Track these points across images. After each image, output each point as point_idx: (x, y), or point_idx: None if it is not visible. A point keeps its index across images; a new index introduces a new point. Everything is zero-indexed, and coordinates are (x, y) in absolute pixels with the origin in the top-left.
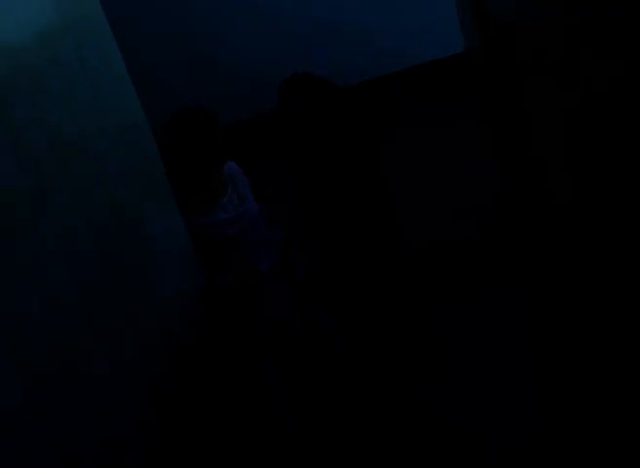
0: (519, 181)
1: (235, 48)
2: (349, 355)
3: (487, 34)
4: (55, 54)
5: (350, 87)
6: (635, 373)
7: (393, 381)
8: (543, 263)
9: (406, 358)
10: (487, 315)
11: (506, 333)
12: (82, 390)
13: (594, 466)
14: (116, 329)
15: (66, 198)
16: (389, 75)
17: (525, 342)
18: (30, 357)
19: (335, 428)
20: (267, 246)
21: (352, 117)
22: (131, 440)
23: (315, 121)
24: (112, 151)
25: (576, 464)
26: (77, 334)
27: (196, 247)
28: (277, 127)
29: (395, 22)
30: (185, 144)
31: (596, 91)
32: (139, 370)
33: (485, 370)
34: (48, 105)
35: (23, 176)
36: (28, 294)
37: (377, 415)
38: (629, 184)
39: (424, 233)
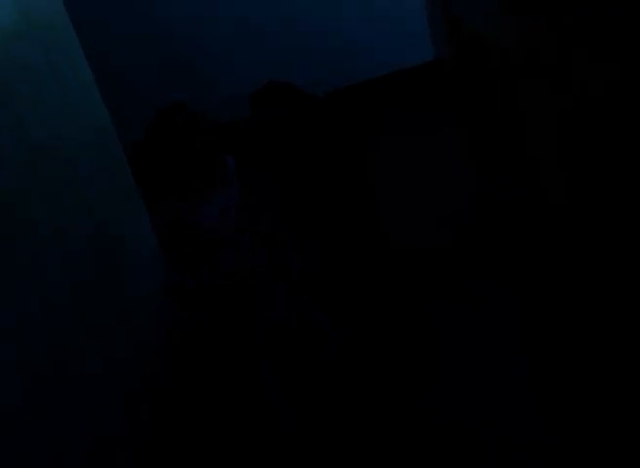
0: (514, 182)
1: (214, 55)
2: (346, 355)
3: (457, 43)
4: (24, 58)
5: (330, 94)
6: (631, 372)
7: (392, 381)
8: (539, 263)
9: (405, 358)
10: (483, 315)
11: (503, 333)
12: (75, 389)
13: (590, 466)
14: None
15: (36, 204)
16: (372, 81)
17: (521, 342)
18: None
19: (331, 428)
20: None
21: (327, 125)
22: (123, 438)
23: (289, 129)
24: (82, 155)
25: (571, 464)
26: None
27: (180, 245)
28: (253, 134)
29: (374, 30)
30: (171, 137)
31: (592, 91)
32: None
33: (481, 370)
34: (18, 110)
35: None
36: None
37: (375, 415)
38: (625, 184)
39: (411, 239)
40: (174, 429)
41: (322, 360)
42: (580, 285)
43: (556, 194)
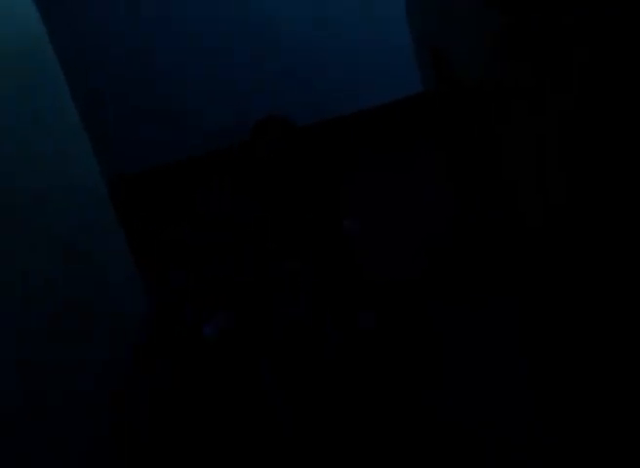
0: (490, 205)
1: (196, 91)
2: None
3: (443, 80)
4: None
5: (305, 129)
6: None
7: (392, 381)
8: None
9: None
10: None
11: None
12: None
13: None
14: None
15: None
16: (345, 118)
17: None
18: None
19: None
20: None
21: (312, 158)
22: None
23: (288, 163)
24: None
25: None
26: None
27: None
28: (245, 166)
29: (351, 63)
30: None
31: (568, 114)
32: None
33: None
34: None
35: None
36: None
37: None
38: (604, 207)
39: (386, 271)
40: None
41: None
42: (569, 292)
43: (533, 217)
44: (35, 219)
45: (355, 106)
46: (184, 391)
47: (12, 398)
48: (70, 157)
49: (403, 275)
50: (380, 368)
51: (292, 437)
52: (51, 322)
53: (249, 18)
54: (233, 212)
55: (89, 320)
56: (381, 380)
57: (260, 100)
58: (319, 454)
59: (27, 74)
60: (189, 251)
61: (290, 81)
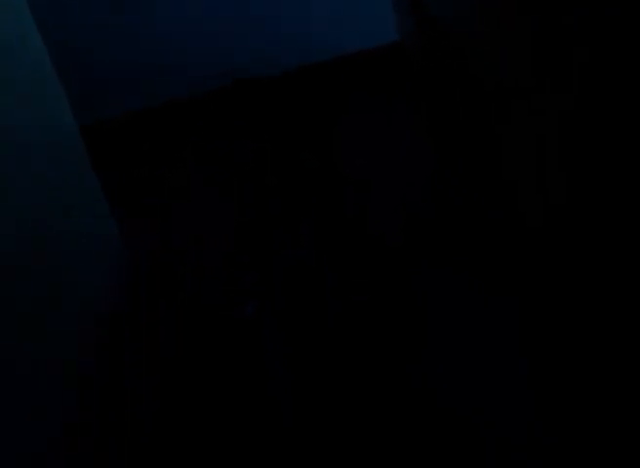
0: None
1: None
2: (346, 326)
3: (425, 32)
4: None
5: (289, 73)
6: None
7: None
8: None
9: (392, 344)
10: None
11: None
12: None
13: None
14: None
15: None
16: (335, 60)
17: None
18: None
19: (332, 419)
20: None
21: (289, 104)
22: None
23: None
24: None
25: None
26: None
27: None
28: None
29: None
30: None
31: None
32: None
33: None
34: None
35: None
36: None
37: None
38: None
39: (377, 230)
40: (172, 420)
41: (324, 329)
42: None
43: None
44: None
45: (345, 49)
46: (184, 382)
47: None
48: (41, 108)
49: (390, 237)
50: (366, 343)
51: (291, 427)
52: (35, 306)
53: None
54: (230, 148)
55: (72, 301)
56: (368, 358)
57: (244, 43)
58: (319, 444)
59: None
60: (190, 193)
61: (273, 25)
